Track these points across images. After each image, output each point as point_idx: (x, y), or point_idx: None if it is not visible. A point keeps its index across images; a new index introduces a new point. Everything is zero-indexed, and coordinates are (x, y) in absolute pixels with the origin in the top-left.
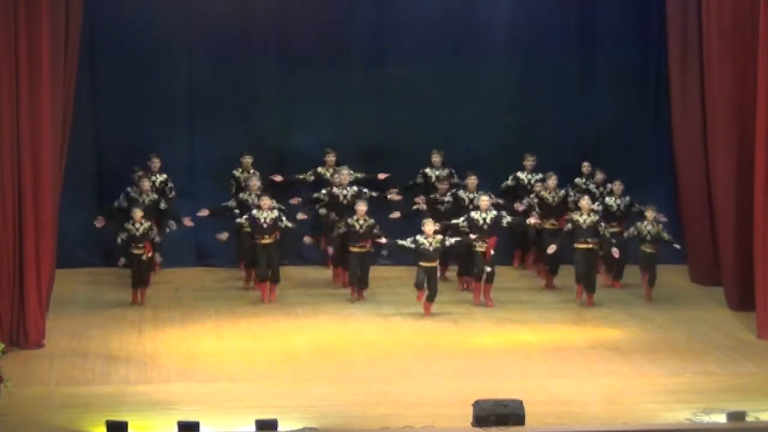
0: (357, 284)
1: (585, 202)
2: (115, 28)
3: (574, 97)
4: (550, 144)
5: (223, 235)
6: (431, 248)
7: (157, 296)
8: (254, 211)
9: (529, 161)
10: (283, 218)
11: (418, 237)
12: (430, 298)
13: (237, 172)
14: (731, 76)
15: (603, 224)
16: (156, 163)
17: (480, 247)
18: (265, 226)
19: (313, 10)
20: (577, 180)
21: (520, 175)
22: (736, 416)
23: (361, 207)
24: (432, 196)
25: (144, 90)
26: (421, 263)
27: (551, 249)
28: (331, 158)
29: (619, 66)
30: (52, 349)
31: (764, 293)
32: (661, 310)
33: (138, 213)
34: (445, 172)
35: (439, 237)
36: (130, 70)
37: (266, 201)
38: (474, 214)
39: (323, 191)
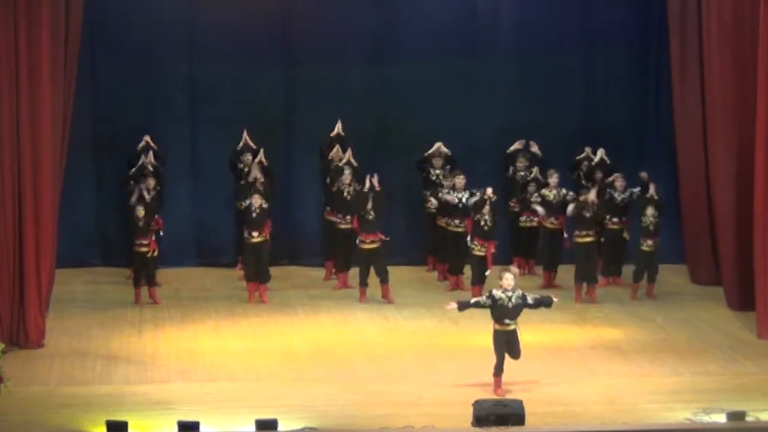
0: (366, 284)
1: (592, 195)
2: (115, 26)
3: (574, 98)
4: (550, 144)
5: None
6: (510, 304)
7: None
8: (246, 202)
9: (522, 162)
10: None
11: (494, 291)
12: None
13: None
14: (731, 76)
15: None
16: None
17: (479, 251)
18: (254, 215)
19: (313, 9)
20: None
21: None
22: (736, 416)
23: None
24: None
25: (144, 89)
26: (498, 326)
27: (540, 210)
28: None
29: (619, 66)
30: (52, 349)
31: (764, 293)
32: (661, 310)
33: (141, 211)
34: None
35: (520, 292)
36: (130, 68)
37: (257, 198)
38: (477, 216)
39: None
